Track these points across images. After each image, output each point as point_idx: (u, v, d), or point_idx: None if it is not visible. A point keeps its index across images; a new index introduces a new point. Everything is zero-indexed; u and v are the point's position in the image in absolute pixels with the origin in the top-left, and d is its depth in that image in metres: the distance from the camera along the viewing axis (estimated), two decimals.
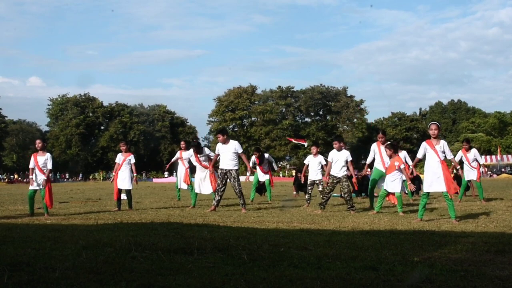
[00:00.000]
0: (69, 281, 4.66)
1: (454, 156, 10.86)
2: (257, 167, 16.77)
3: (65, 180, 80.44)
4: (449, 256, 5.84)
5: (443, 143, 9.78)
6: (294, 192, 19.72)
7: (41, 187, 11.88)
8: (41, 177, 11.93)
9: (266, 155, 17.26)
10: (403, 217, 10.62)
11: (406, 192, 16.67)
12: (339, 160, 12.17)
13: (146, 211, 12.77)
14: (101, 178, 73.94)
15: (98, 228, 8.83)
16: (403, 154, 15.64)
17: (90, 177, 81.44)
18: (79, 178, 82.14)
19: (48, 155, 12.11)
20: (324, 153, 13.33)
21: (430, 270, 5.09)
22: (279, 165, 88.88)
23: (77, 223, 10.12)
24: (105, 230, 8.32)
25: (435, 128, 9.83)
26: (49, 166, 12.03)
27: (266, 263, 5.44)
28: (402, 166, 11.51)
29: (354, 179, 12.23)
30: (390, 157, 11.68)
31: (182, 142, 16.78)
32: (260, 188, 18.00)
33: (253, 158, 16.94)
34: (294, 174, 30.45)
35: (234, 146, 12.70)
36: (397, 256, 5.79)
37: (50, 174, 12.17)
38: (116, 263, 5.38)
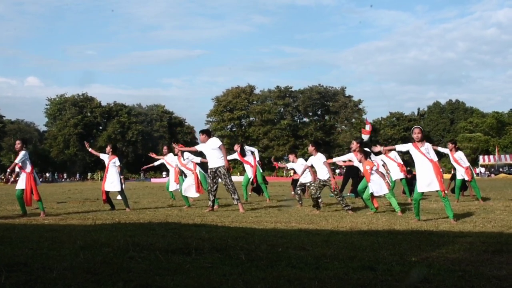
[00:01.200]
0: (66, 281, 4.66)
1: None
2: (244, 164, 16.70)
3: (63, 180, 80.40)
4: (447, 256, 5.85)
5: (427, 145, 9.85)
6: (292, 192, 19.69)
7: (23, 186, 11.95)
8: (22, 175, 12.03)
9: (246, 147, 17.12)
10: (401, 217, 10.63)
11: (404, 192, 16.71)
12: (319, 164, 12.26)
13: (144, 211, 12.77)
14: (99, 178, 73.89)
15: (96, 228, 8.82)
16: (393, 154, 15.66)
17: (88, 177, 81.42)
18: (77, 178, 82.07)
19: (22, 152, 12.08)
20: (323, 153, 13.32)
21: (428, 270, 5.09)
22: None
23: (75, 223, 10.11)
24: (103, 230, 8.31)
25: (419, 132, 9.92)
26: (17, 160, 12.01)
27: (264, 263, 5.44)
28: (374, 168, 11.55)
29: (332, 182, 12.17)
30: (360, 161, 11.73)
31: (164, 147, 16.71)
32: (258, 188, 17.97)
33: (234, 155, 16.65)
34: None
35: (213, 142, 12.67)
36: (395, 256, 5.80)
37: (28, 170, 12.07)
38: (114, 263, 5.37)
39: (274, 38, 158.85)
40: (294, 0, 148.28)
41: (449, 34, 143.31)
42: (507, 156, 74.20)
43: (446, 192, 9.78)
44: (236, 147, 16.76)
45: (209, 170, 12.77)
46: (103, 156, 13.90)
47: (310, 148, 12.43)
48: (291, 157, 15.00)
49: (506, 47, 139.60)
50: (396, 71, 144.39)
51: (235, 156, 16.56)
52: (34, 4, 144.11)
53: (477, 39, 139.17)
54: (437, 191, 9.64)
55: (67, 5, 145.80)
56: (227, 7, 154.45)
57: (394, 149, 10.59)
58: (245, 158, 16.51)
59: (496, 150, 71.12)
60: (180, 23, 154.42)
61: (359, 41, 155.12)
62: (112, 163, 13.56)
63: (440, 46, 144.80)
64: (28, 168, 12.04)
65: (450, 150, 14.89)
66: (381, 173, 11.79)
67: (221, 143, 12.85)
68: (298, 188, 14.39)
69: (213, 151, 12.58)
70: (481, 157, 74.65)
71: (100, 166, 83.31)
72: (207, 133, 13.02)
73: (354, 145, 12.54)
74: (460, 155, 14.88)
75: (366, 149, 12.38)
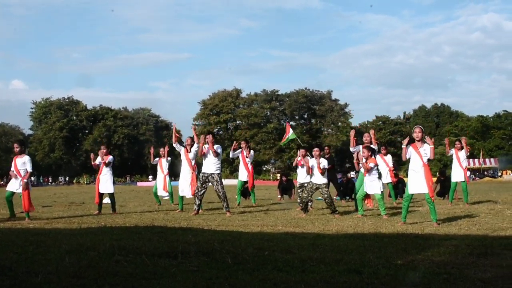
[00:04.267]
0: (51, 285, 4.63)
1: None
2: (242, 164, 16.34)
3: (48, 184, 79.85)
4: (432, 259, 5.88)
5: (426, 146, 9.83)
6: (279, 196, 19.71)
7: (18, 190, 11.77)
8: (19, 180, 11.81)
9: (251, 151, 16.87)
10: (387, 220, 10.67)
11: (390, 195, 16.77)
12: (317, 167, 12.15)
13: (130, 215, 12.71)
14: (85, 182, 73.56)
15: (82, 232, 8.78)
16: (389, 157, 15.71)
17: (74, 181, 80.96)
18: (63, 182, 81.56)
19: (26, 157, 11.93)
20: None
21: (413, 273, 5.12)
22: (264, 168, 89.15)
23: (61, 227, 10.05)
24: (89, 234, 8.27)
25: (419, 131, 9.89)
26: (28, 168, 11.83)
27: (251, 266, 5.44)
28: (371, 165, 11.55)
29: None
30: (367, 158, 11.70)
31: (161, 149, 16.63)
32: (245, 191, 17.94)
33: (237, 152, 16.28)
34: (278, 177, 30.54)
35: (218, 148, 12.66)
36: (381, 259, 5.82)
37: (29, 177, 11.92)
38: (99, 267, 5.35)
39: (261, 42, 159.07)
40: (281, 4, 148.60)
41: (435, 38, 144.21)
42: (492, 159, 74.77)
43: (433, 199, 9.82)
44: (244, 145, 16.47)
45: (201, 174, 12.71)
46: (98, 160, 13.75)
47: (317, 152, 12.27)
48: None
49: (491, 51, 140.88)
50: (382, 75, 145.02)
51: (238, 153, 16.26)
52: (20, 7, 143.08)
53: (463, 43, 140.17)
54: (424, 194, 9.72)
55: (53, 7, 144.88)
56: (215, 10, 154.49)
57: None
58: (247, 161, 16.22)
59: (481, 154, 71.54)
60: (168, 26, 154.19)
61: (346, 45, 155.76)
62: (107, 163, 13.46)
63: (426, 50, 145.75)
64: (24, 172, 11.91)
65: (458, 150, 15.04)
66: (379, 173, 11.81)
67: (221, 152, 12.89)
68: (299, 190, 14.32)
69: (214, 157, 12.55)
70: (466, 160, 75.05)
71: (86, 170, 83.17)
72: (215, 137, 13.02)
73: (367, 137, 12.50)
74: (463, 154, 15.04)
75: (372, 146, 12.36)
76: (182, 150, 13.81)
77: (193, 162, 13.65)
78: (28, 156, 12.10)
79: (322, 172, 12.08)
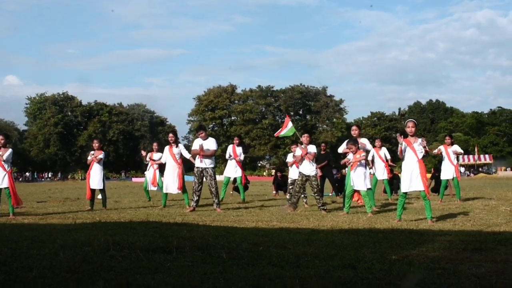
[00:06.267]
0: (46, 280, 4.62)
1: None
2: (233, 160, 16.05)
3: (43, 179, 79.75)
4: (427, 254, 5.89)
5: (420, 140, 9.65)
6: (274, 192, 19.71)
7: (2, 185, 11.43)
8: (3, 174, 11.37)
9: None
10: (382, 216, 10.68)
11: (385, 191, 16.79)
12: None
13: (125, 210, 12.70)
14: (80, 178, 73.45)
15: (76, 227, 8.77)
16: (383, 151, 15.68)
17: (69, 176, 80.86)
18: (58, 178, 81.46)
19: (9, 150, 11.44)
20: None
21: (407, 268, 5.13)
22: (259, 164, 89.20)
23: (55, 222, 10.03)
24: (83, 229, 8.26)
25: (412, 126, 9.55)
26: (5, 157, 11.25)
27: (245, 261, 5.44)
28: (363, 154, 11.32)
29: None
30: (355, 153, 11.44)
31: (154, 144, 16.60)
32: (238, 187, 17.81)
33: (229, 149, 16.21)
34: (273, 173, 30.54)
35: (210, 143, 12.54)
36: (376, 255, 5.82)
37: (9, 168, 11.38)
38: (94, 262, 5.34)
39: (256, 38, 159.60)
40: (276, 0, 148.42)
41: (429, 34, 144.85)
42: (486, 156, 75.04)
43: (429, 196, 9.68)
44: (236, 140, 16.41)
45: (195, 169, 12.63)
46: (90, 155, 13.63)
47: (305, 139, 12.02)
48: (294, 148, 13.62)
49: (485, 47, 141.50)
50: (376, 71, 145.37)
51: (229, 150, 16.15)
52: (14, 3, 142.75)
53: (457, 40, 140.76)
54: (420, 191, 9.58)
55: (47, 3, 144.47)
56: (209, 7, 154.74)
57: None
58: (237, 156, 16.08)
59: (476, 150, 71.78)
60: (162, 23, 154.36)
61: (340, 41, 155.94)
62: (98, 160, 13.37)
63: (421, 47, 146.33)
64: (9, 167, 11.66)
65: (448, 145, 14.83)
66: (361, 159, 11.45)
67: (217, 147, 12.77)
68: (290, 187, 14.10)
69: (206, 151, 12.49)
70: (460, 156, 75.39)
71: (81, 166, 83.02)
72: (206, 131, 12.97)
73: (355, 131, 12.22)
74: (455, 149, 14.86)
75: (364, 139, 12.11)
76: (166, 148, 13.77)
77: (177, 157, 13.55)
78: (11, 149, 11.68)
79: (312, 158, 11.84)
